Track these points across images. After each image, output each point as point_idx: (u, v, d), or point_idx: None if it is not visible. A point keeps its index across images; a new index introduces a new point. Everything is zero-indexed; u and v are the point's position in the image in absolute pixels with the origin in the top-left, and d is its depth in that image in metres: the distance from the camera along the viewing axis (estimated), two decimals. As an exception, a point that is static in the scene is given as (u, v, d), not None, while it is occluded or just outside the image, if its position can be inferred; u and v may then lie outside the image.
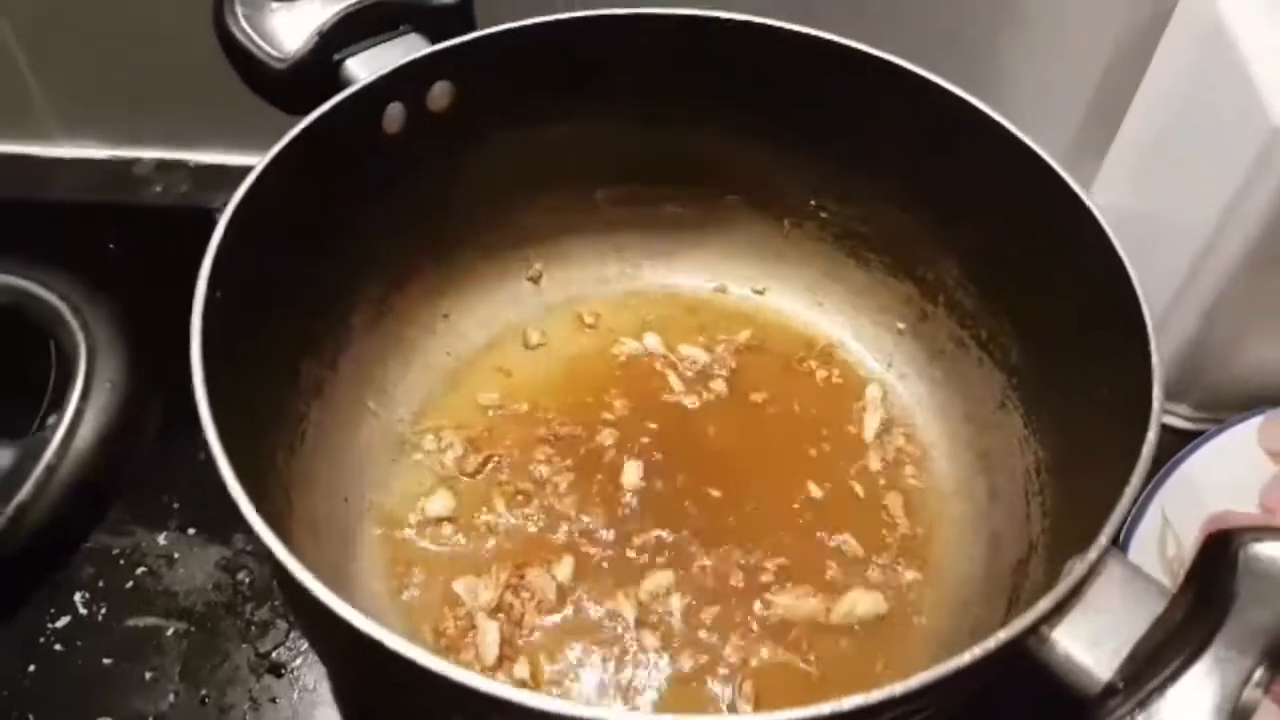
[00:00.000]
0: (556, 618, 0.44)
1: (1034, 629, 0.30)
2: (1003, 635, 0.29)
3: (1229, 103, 0.48)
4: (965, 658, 0.28)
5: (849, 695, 0.27)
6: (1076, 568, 0.30)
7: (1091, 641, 0.30)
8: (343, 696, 0.46)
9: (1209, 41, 0.50)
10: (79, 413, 0.51)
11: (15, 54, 0.65)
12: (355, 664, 0.37)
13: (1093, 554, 0.30)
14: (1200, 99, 0.51)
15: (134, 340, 0.55)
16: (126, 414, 0.52)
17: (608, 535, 0.47)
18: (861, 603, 0.44)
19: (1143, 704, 0.28)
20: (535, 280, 0.56)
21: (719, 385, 0.53)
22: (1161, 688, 0.28)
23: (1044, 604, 0.29)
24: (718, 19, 0.48)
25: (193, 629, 0.48)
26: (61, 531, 0.50)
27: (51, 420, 0.51)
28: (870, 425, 0.51)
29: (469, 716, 0.31)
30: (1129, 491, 0.32)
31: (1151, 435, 0.33)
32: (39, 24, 0.64)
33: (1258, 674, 0.28)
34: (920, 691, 0.27)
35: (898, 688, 0.27)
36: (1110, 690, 0.29)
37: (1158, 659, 0.29)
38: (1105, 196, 0.61)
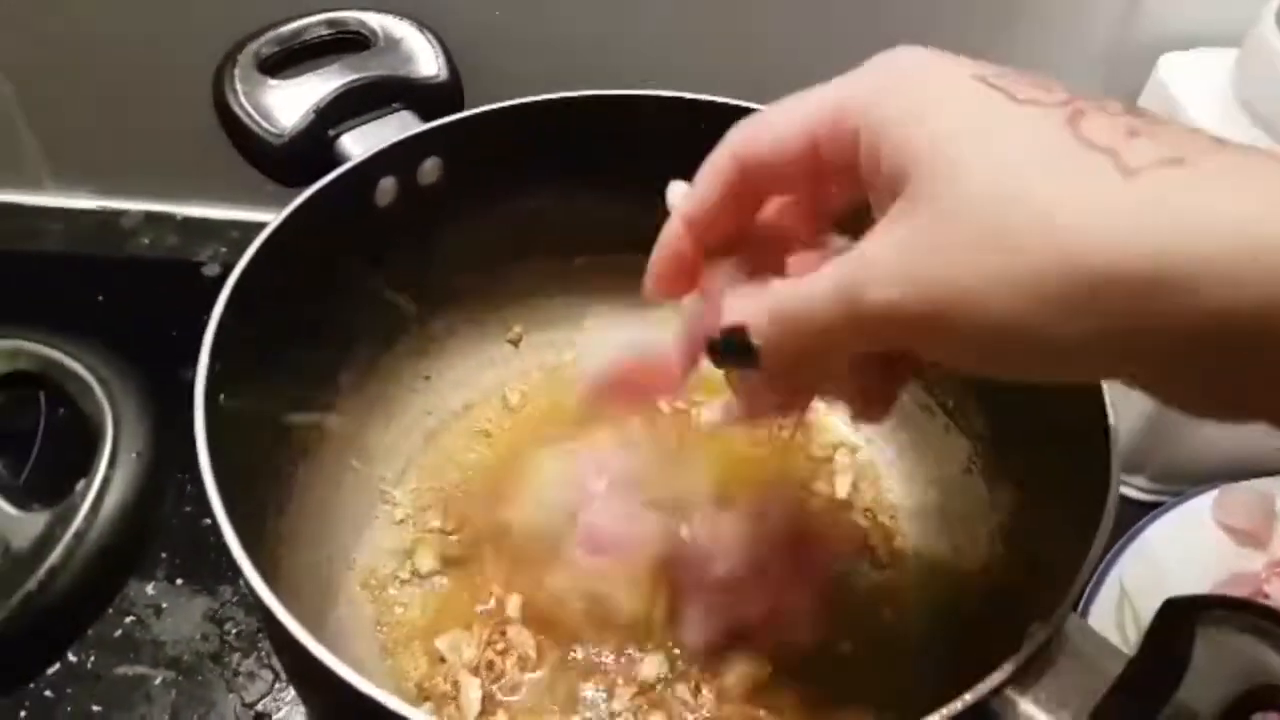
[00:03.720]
0: (537, 675, 0.45)
1: (997, 691, 0.31)
2: (969, 697, 0.30)
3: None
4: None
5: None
6: (1039, 632, 0.31)
7: (1055, 703, 0.31)
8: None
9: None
10: (106, 480, 0.51)
11: (12, 104, 0.66)
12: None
13: (1055, 619, 0.32)
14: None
15: (157, 411, 0.55)
16: (151, 481, 0.52)
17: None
18: None
19: (1101, 765, 0.29)
20: (515, 343, 0.57)
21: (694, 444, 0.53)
22: (1119, 748, 0.29)
23: (1008, 667, 0.31)
24: (690, 100, 0.49)
25: (180, 678, 0.48)
26: (89, 594, 0.50)
27: (79, 487, 0.51)
28: (842, 486, 0.53)
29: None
30: (1089, 560, 0.33)
31: (1110, 508, 0.35)
32: (36, 77, 0.65)
33: (1208, 736, 0.30)
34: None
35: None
36: (1070, 751, 0.30)
37: (1115, 721, 0.30)
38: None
